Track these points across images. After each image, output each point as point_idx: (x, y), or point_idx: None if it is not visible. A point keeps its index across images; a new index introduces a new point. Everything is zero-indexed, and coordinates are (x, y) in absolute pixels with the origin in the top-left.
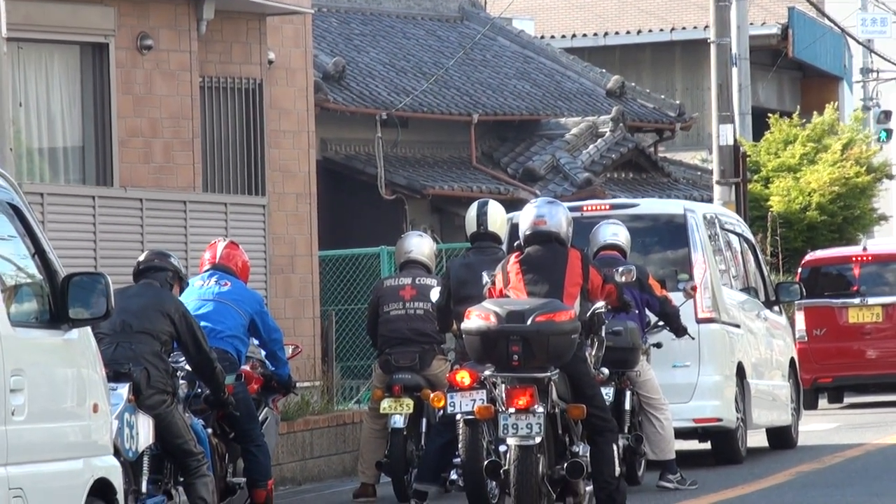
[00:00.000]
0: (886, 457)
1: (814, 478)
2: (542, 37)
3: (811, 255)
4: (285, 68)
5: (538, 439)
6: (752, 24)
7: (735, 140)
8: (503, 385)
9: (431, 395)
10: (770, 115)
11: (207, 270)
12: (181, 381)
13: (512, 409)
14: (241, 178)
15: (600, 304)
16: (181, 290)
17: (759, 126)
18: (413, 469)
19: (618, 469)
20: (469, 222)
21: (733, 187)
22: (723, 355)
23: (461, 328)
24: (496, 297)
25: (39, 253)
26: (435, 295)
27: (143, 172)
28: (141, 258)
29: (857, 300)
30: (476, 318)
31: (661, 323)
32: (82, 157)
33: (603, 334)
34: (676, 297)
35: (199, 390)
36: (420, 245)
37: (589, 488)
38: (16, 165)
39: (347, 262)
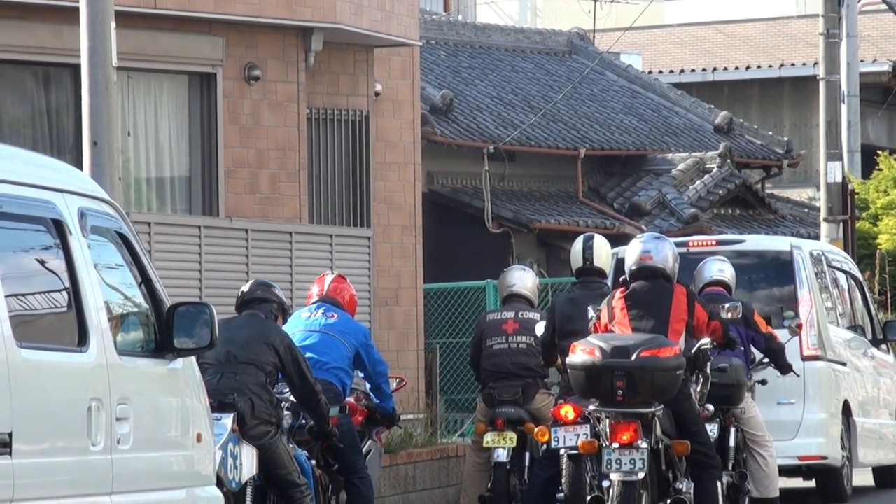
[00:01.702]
0: None
1: None
2: (650, 72)
3: None
4: (392, 100)
5: (641, 475)
6: (862, 61)
7: (843, 177)
8: (607, 420)
9: (535, 430)
10: (879, 152)
11: (315, 302)
12: (286, 412)
13: (616, 445)
14: (347, 210)
15: (706, 341)
16: (284, 321)
17: (869, 164)
18: (516, 503)
19: None
20: (574, 257)
21: (841, 224)
22: (828, 393)
23: (566, 363)
24: (601, 332)
25: (146, 282)
26: (539, 329)
27: (248, 203)
28: (245, 288)
29: None
30: (581, 353)
31: (766, 360)
32: (189, 187)
33: (708, 371)
34: (782, 335)
35: (304, 421)
36: (523, 279)
37: None
38: (124, 194)
39: (453, 295)
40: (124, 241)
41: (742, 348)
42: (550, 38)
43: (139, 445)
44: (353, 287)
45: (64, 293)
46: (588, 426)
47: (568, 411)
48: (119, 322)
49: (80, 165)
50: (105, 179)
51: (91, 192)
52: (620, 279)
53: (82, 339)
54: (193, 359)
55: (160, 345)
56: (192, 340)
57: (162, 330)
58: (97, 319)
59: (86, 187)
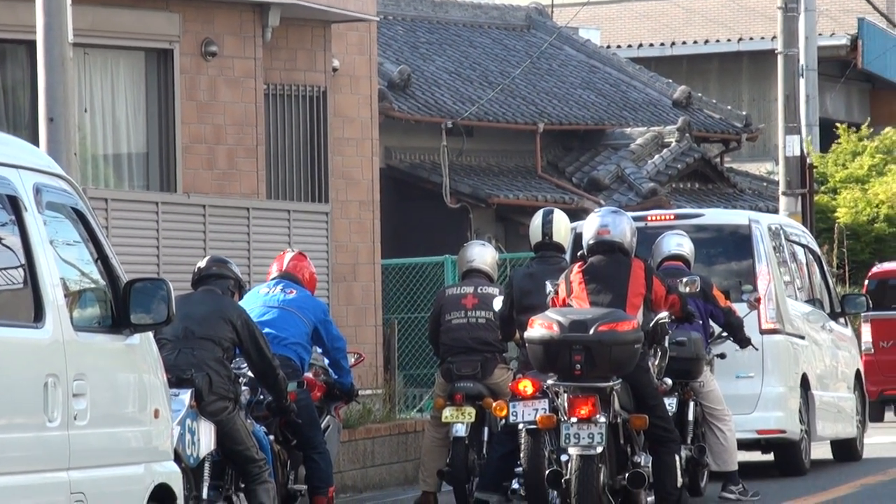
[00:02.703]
0: None
1: (879, 490)
2: (609, 46)
3: (878, 267)
4: (350, 76)
5: (600, 449)
6: (820, 34)
7: (802, 151)
8: (565, 394)
9: (493, 404)
10: (838, 126)
11: (274, 279)
12: (243, 388)
13: (574, 419)
14: (305, 186)
15: (664, 315)
16: (240, 298)
17: (827, 137)
18: (474, 478)
19: (680, 480)
20: (533, 231)
21: (800, 198)
22: (787, 366)
23: (524, 337)
24: (559, 306)
25: (102, 258)
26: (497, 304)
27: (206, 179)
28: (202, 264)
29: None
30: (539, 328)
31: (724, 334)
32: (146, 163)
33: (666, 345)
34: (740, 308)
35: (262, 397)
36: (482, 254)
37: (650, 499)
38: (80, 171)
39: (411, 270)
40: (80, 218)
41: (700, 322)
42: (508, 13)
43: (96, 421)
44: (312, 265)
45: (19, 269)
46: (546, 401)
47: (526, 386)
48: (75, 298)
49: (36, 142)
50: (61, 156)
51: (47, 168)
52: (578, 254)
53: (38, 316)
54: (151, 335)
55: (117, 321)
56: (149, 316)
57: (119, 306)
58: (53, 295)
59: (41, 163)
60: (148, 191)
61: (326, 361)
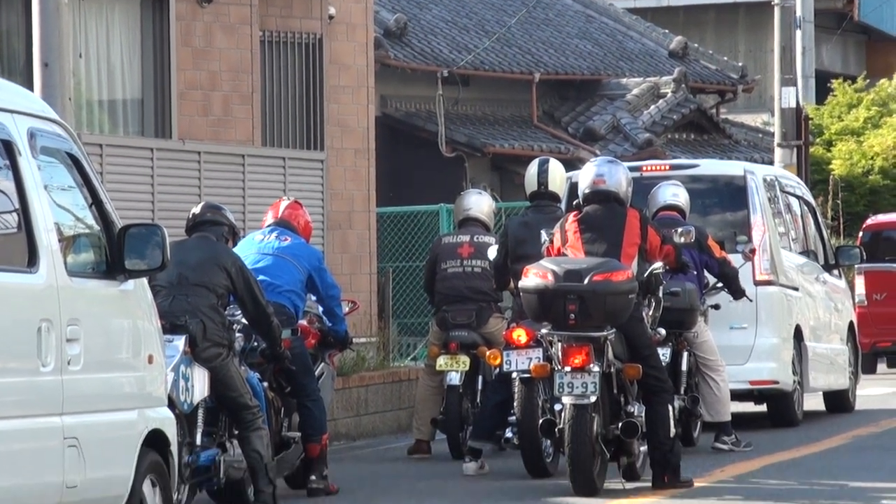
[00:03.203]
0: None
1: (870, 441)
2: None
3: (872, 219)
4: (346, 23)
5: (593, 398)
6: None
7: (798, 103)
8: (559, 344)
9: (488, 353)
10: (834, 79)
11: (269, 226)
12: (237, 335)
13: (568, 368)
14: (300, 133)
15: (658, 265)
16: (234, 245)
17: (823, 90)
18: (468, 426)
19: (673, 430)
20: (529, 181)
21: (795, 150)
22: (780, 318)
23: (518, 286)
24: (554, 255)
25: (97, 204)
26: (492, 253)
27: (201, 125)
28: (196, 210)
29: None
30: (534, 277)
31: (719, 284)
32: (141, 110)
33: (660, 295)
34: (735, 259)
35: (256, 344)
36: (479, 203)
37: (643, 449)
38: (76, 116)
39: (406, 219)
40: (75, 163)
41: (695, 273)
42: None
43: (90, 366)
44: (308, 214)
45: (13, 214)
46: (540, 350)
47: (520, 335)
48: (69, 243)
49: (30, 87)
50: (56, 101)
51: (41, 113)
52: (574, 203)
53: (32, 260)
54: (145, 280)
55: (111, 266)
56: (143, 262)
57: (113, 251)
58: (47, 240)
59: (36, 108)
60: (143, 137)
61: (321, 309)
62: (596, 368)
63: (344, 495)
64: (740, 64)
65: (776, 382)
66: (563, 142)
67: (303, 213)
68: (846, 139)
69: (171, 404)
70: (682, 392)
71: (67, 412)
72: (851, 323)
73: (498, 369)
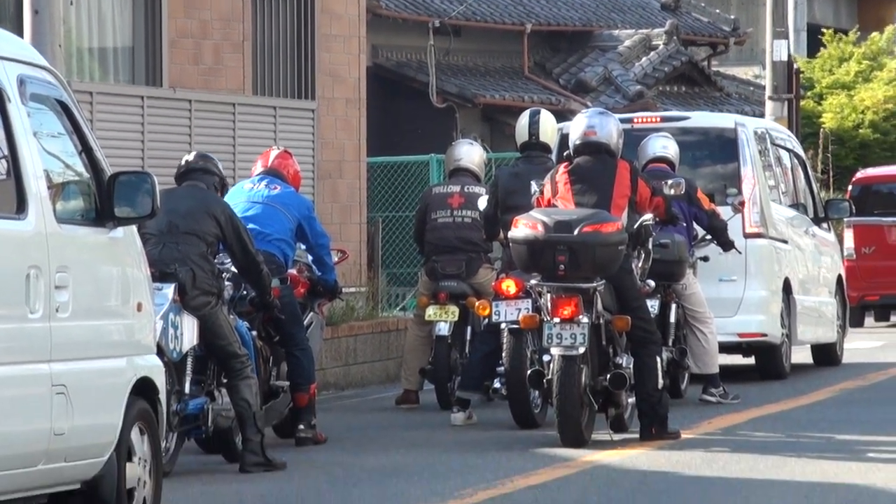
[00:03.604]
0: None
1: (857, 395)
2: None
3: (862, 173)
4: None
5: (582, 350)
6: None
7: (789, 56)
8: (549, 294)
9: (477, 304)
10: (825, 31)
11: (258, 174)
12: (227, 283)
13: (557, 319)
14: (291, 82)
15: (648, 217)
16: (223, 195)
17: (814, 43)
18: (456, 377)
19: (661, 381)
20: (519, 131)
21: (786, 103)
22: (769, 270)
23: (508, 237)
24: (544, 206)
25: (86, 151)
26: (482, 203)
27: (192, 74)
28: (189, 157)
29: None
30: (523, 227)
31: (708, 237)
32: (132, 57)
33: (650, 246)
34: (725, 212)
35: (245, 292)
36: (470, 153)
37: (631, 400)
38: (66, 64)
39: (396, 169)
40: (65, 110)
41: (684, 225)
42: None
43: (78, 314)
44: (297, 164)
45: (2, 161)
46: (529, 300)
47: (510, 285)
48: (59, 190)
49: (20, 34)
50: (46, 48)
51: (31, 60)
52: (564, 154)
53: (20, 207)
54: (134, 228)
55: (101, 213)
56: (132, 209)
57: (103, 199)
58: (36, 187)
59: (26, 55)
60: (133, 85)
61: (310, 258)
62: (585, 320)
63: (332, 444)
64: (732, 17)
65: (764, 335)
66: (554, 93)
67: (292, 162)
68: (837, 93)
69: (160, 352)
70: (670, 344)
71: (55, 359)
72: (840, 276)
73: (487, 320)
